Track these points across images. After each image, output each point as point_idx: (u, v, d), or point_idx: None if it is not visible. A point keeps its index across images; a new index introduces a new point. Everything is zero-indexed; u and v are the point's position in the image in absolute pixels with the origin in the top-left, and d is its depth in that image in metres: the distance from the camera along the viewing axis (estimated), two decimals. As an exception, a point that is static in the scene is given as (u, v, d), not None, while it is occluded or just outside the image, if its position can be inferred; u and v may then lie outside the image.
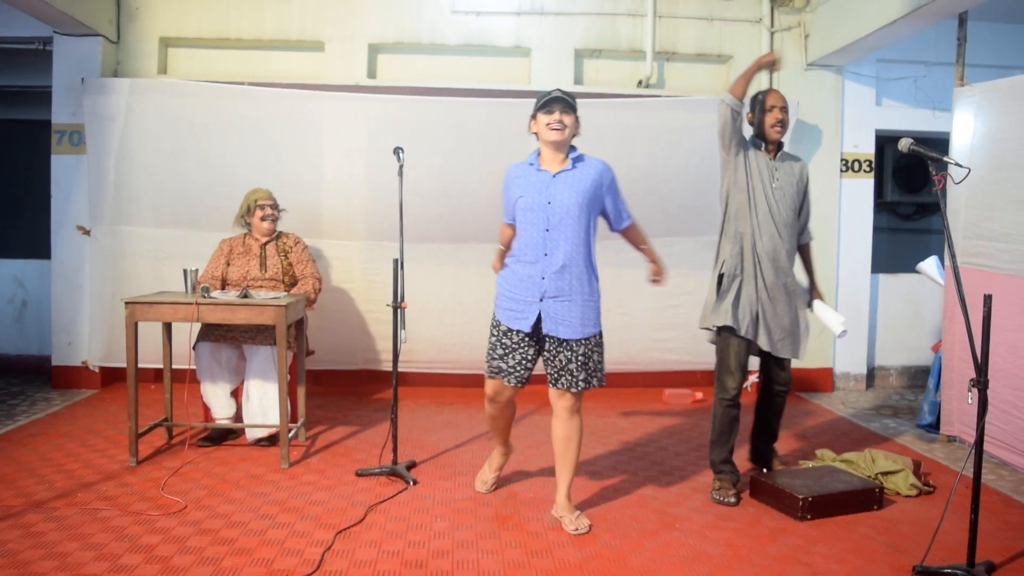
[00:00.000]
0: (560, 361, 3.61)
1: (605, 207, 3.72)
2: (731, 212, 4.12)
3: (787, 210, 4.10)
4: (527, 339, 3.65)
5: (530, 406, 5.73)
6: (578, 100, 3.65)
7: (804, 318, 4.22)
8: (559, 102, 3.56)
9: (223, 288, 4.87)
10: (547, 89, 3.63)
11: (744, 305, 4.03)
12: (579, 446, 3.74)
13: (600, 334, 3.70)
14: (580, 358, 3.60)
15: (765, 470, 4.37)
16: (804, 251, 4.36)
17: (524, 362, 3.66)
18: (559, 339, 3.60)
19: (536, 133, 3.66)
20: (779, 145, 4.17)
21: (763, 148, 4.12)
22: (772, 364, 4.26)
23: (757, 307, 4.03)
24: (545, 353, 3.67)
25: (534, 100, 3.65)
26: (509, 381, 3.66)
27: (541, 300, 3.57)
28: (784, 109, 4.11)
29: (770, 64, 4.07)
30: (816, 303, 4.26)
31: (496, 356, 3.70)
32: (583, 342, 3.61)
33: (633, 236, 3.87)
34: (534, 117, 3.64)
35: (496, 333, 3.71)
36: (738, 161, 4.08)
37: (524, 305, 3.60)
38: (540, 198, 3.57)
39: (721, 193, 4.17)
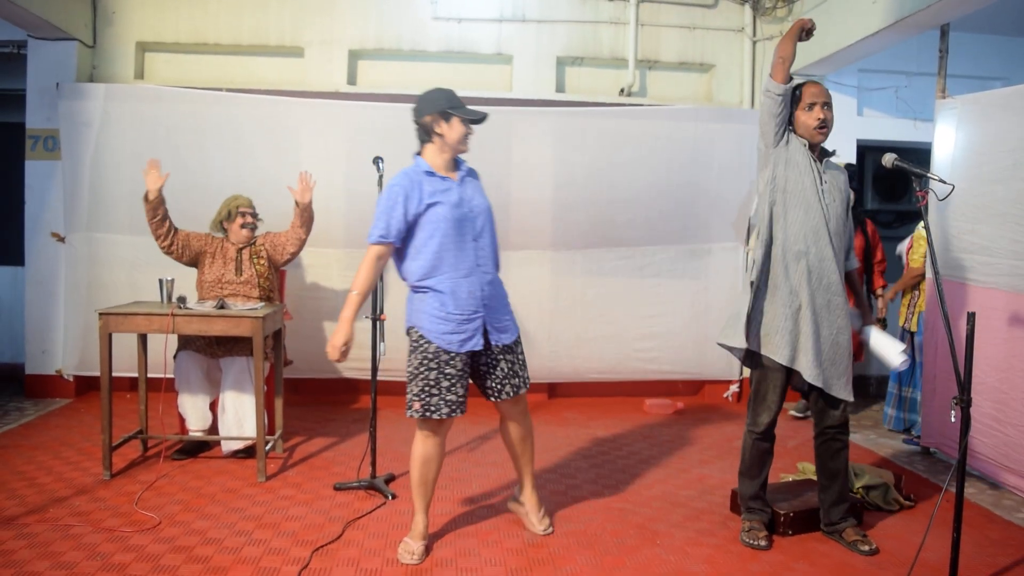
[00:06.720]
0: (503, 369, 3.48)
1: None
2: (774, 212, 3.49)
3: (835, 219, 3.47)
4: (469, 361, 3.44)
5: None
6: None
7: (851, 350, 3.57)
8: (480, 118, 3.46)
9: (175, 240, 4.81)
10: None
11: (781, 326, 3.45)
12: (533, 440, 3.75)
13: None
14: (520, 358, 3.56)
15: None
16: (849, 277, 3.70)
17: (466, 388, 3.44)
18: (502, 346, 3.48)
19: (441, 134, 3.42)
20: (823, 151, 3.58)
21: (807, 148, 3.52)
22: (822, 402, 3.58)
23: (799, 329, 3.44)
24: (483, 368, 3.49)
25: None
26: (456, 412, 3.36)
27: (485, 312, 3.42)
28: (828, 105, 3.52)
29: (809, 30, 3.49)
30: (871, 331, 3.67)
31: (438, 392, 3.33)
32: (518, 341, 3.57)
33: None
34: (447, 119, 3.41)
35: (434, 367, 3.34)
36: (779, 154, 3.50)
37: (472, 323, 3.38)
38: (461, 207, 3.40)
39: (760, 193, 3.58)
